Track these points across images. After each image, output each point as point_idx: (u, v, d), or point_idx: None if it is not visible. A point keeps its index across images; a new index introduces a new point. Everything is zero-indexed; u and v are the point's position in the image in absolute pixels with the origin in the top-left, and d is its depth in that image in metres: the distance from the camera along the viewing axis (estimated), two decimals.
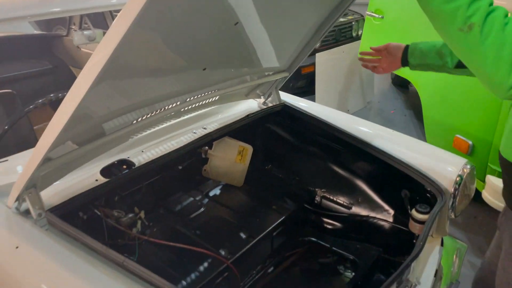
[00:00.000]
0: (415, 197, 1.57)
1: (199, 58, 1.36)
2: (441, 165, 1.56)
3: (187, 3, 1.04)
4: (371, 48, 1.52)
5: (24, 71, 2.70)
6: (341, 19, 4.06)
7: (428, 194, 1.52)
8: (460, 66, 1.29)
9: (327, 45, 3.80)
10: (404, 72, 2.66)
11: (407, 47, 1.42)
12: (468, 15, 0.82)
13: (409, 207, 1.55)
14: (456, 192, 1.50)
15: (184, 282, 1.34)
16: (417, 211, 1.48)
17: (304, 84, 3.67)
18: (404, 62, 1.42)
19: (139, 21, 0.79)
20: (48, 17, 2.02)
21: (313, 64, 3.60)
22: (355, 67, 3.97)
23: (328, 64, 3.69)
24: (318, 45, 3.76)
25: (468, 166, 1.53)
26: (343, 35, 3.90)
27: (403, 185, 1.60)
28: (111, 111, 1.25)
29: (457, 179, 1.51)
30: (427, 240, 1.47)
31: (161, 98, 1.39)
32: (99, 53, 0.85)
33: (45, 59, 2.88)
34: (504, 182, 1.18)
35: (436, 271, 1.53)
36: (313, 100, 3.60)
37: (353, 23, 3.99)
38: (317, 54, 3.59)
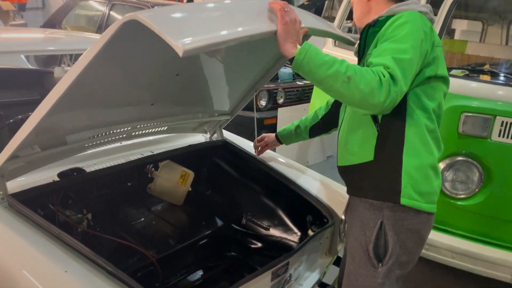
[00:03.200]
0: (316, 221, 1.92)
1: (148, 96, 1.76)
2: (337, 196, 1.94)
3: (137, 55, 1.44)
4: (257, 141, 2.15)
5: (14, 99, 3.08)
6: (306, 81, 4.57)
7: (325, 219, 1.87)
8: (312, 136, 1.99)
9: (290, 102, 4.26)
10: None
11: (277, 135, 2.09)
12: (344, 71, 1.22)
13: (310, 229, 1.89)
14: (345, 218, 1.85)
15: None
16: (312, 231, 1.83)
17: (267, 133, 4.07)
18: (280, 143, 2.10)
19: (98, 57, 1.15)
20: (41, 53, 2.44)
21: (276, 117, 4.04)
22: None
23: (290, 118, 4.12)
24: (281, 100, 4.23)
25: None
26: (306, 95, 4.38)
27: (308, 211, 1.95)
28: (73, 126, 1.63)
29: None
30: (319, 256, 1.82)
31: (116, 122, 1.77)
32: (66, 77, 1.22)
33: (36, 91, 3.28)
34: (349, 183, 1.55)
35: (325, 285, 1.85)
36: (274, 149, 3.98)
37: None
38: (279, 109, 4.05)
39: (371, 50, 1.39)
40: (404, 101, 1.34)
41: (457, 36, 7.21)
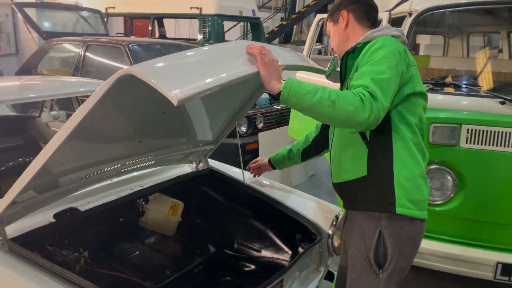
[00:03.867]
0: (305, 239, 2.01)
1: (137, 134, 1.84)
2: (323, 213, 2.03)
3: (128, 101, 1.54)
4: (250, 164, 2.26)
5: None
6: (283, 105, 4.72)
7: (313, 236, 1.96)
8: (304, 159, 2.07)
9: (269, 126, 4.39)
10: None
11: (270, 160, 2.16)
12: (328, 97, 1.34)
13: (300, 246, 1.98)
14: (332, 232, 1.95)
15: None
16: (302, 248, 1.91)
17: (249, 158, 4.17)
18: (273, 168, 2.17)
19: (96, 107, 1.27)
20: (26, 101, 2.52)
21: (257, 141, 4.15)
22: None
23: (271, 142, 4.25)
24: (261, 125, 4.36)
25: (342, 213, 2.00)
26: (284, 118, 4.52)
27: (297, 230, 2.04)
28: (66, 168, 1.69)
29: (333, 222, 1.97)
30: (311, 271, 1.90)
31: (106, 161, 1.84)
32: (67, 126, 1.32)
33: (19, 136, 3.32)
34: (345, 198, 1.66)
35: None
36: None
37: None
38: (259, 134, 4.17)
39: (352, 74, 1.52)
40: (388, 119, 1.47)
41: (421, 49, 7.58)
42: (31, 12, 6.30)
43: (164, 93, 1.12)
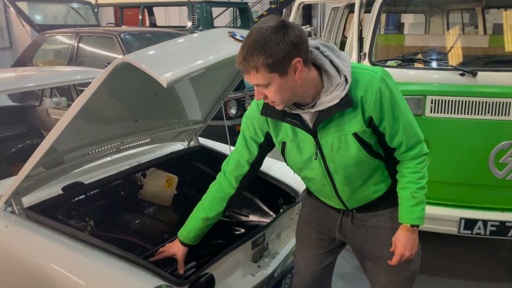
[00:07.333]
0: (286, 202, 2.26)
1: (133, 114, 2.07)
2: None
3: (124, 85, 1.75)
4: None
5: (2, 134, 3.35)
6: None
7: (293, 199, 2.21)
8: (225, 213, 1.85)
9: None
10: None
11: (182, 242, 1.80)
12: (423, 186, 1.53)
13: (282, 209, 2.23)
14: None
15: None
16: (283, 209, 2.16)
17: None
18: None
19: (97, 92, 1.48)
20: (26, 89, 2.73)
21: None
22: None
23: None
24: None
25: None
26: None
27: (280, 195, 2.29)
28: (70, 146, 1.92)
29: None
30: (292, 230, 2.14)
31: (106, 139, 2.07)
32: (71, 109, 1.54)
33: (21, 125, 3.54)
34: (365, 207, 1.65)
35: None
36: None
37: None
38: None
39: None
40: None
41: (406, 28, 7.77)
42: (23, 5, 6.45)
43: (155, 77, 1.34)
